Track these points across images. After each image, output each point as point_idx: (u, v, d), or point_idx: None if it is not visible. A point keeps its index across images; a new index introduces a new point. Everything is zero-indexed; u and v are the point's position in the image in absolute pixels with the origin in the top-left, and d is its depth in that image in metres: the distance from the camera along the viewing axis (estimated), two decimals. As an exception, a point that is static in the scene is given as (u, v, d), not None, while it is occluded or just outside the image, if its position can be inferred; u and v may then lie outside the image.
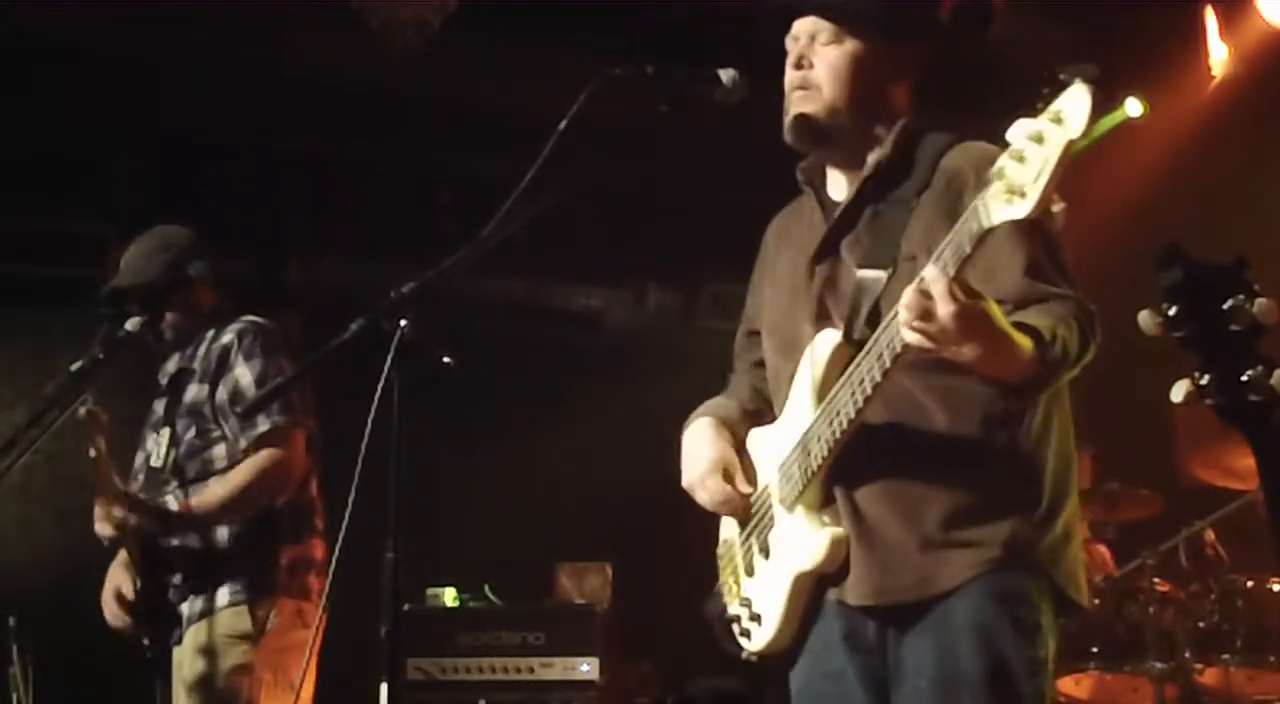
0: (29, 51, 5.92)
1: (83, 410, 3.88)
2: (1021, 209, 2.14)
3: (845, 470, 2.68)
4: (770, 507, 2.80)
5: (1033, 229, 2.56)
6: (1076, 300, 2.58)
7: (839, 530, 2.67)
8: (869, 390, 2.52)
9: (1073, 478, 2.72)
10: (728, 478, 2.88)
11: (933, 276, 2.30)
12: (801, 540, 2.71)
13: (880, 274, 2.67)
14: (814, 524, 2.70)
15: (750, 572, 2.87)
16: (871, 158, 2.82)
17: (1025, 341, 2.42)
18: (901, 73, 2.87)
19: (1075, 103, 2.09)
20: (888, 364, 2.47)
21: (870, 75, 2.82)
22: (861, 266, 2.73)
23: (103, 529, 4.03)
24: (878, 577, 2.65)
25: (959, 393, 2.61)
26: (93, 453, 3.91)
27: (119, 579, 4.21)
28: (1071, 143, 2.10)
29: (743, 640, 2.86)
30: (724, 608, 2.94)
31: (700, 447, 2.96)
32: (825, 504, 2.71)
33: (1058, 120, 2.10)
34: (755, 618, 2.83)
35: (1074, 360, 2.53)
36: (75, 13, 5.81)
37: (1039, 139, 2.12)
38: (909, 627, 2.64)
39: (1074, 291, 2.60)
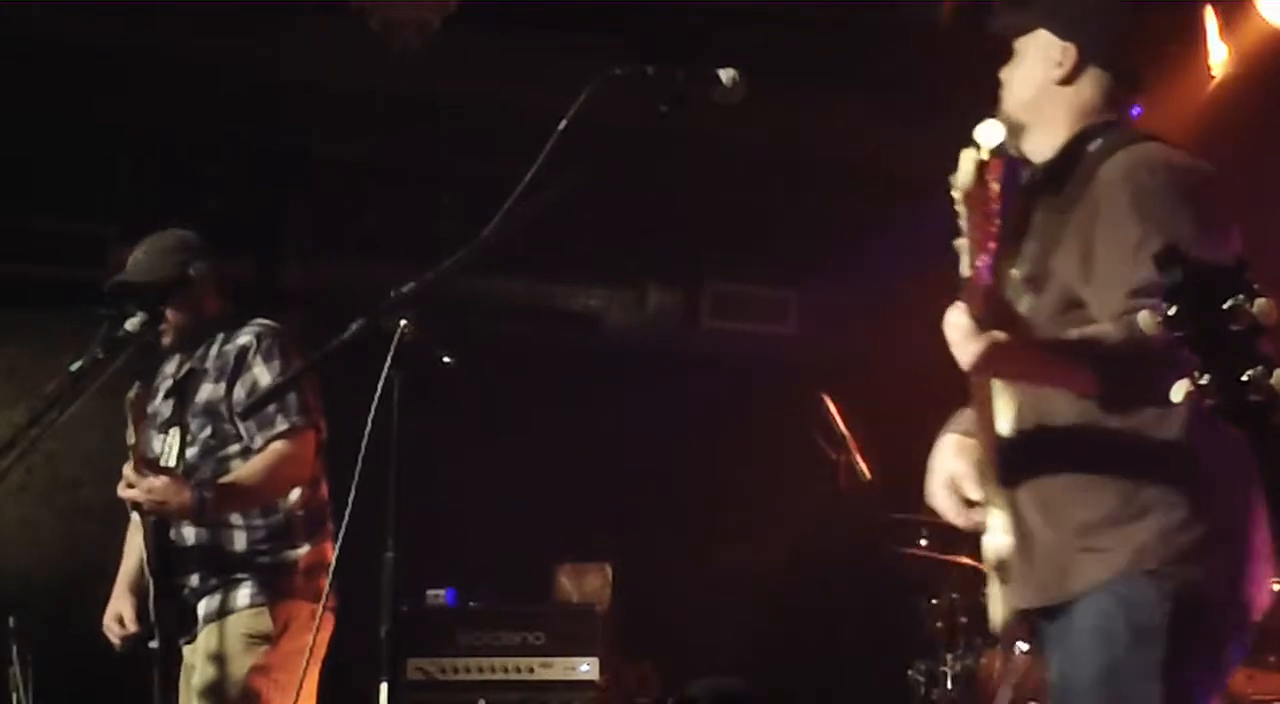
0: (29, 51, 5.91)
1: (131, 393, 3.90)
2: None
3: (1011, 476, 2.73)
4: None
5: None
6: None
7: (999, 538, 2.75)
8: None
9: (1225, 476, 2.59)
10: (957, 493, 2.86)
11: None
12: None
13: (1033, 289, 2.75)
14: (992, 526, 2.77)
15: None
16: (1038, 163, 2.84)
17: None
18: (1072, 70, 2.81)
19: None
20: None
21: (1037, 78, 2.83)
22: (1026, 279, 2.77)
23: (135, 491, 3.93)
24: (1022, 584, 2.72)
25: (1088, 402, 2.62)
26: (130, 437, 3.92)
27: (121, 605, 4.22)
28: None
29: None
30: None
31: (933, 462, 2.95)
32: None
33: None
34: None
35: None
36: (75, 12, 5.81)
37: None
38: (1051, 628, 2.71)
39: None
